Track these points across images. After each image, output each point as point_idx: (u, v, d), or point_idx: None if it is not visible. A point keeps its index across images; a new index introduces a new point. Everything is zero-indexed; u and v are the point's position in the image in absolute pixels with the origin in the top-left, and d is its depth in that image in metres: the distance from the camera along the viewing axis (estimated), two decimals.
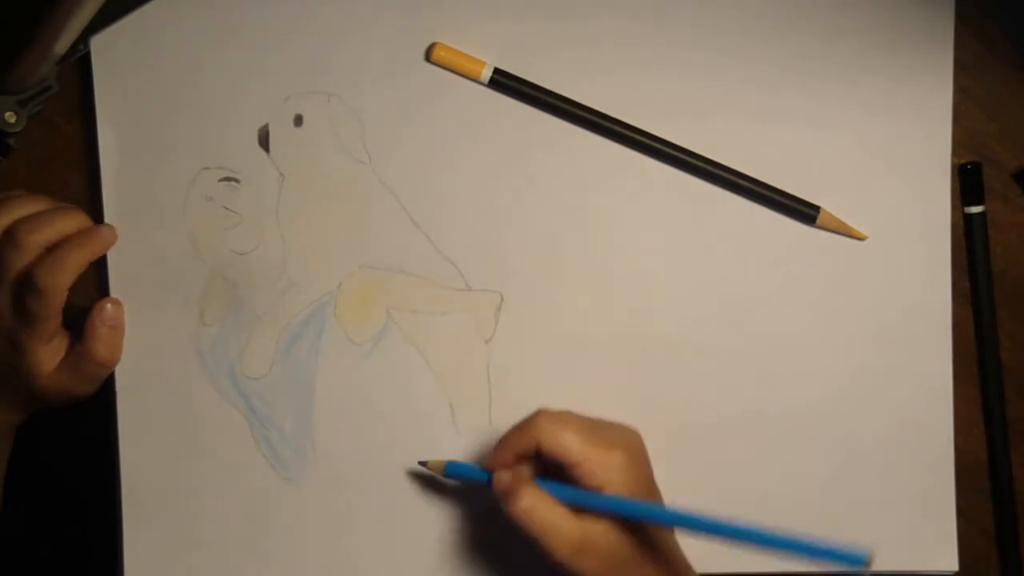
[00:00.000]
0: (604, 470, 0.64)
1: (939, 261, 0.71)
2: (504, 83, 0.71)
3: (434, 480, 0.72)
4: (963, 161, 0.72)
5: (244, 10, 0.71)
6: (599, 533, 0.63)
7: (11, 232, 0.69)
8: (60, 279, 0.68)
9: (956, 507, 0.72)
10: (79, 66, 0.72)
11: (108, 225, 0.71)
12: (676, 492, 0.70)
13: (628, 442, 0.66)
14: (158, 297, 0.72)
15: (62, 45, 0.68)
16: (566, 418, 0.65)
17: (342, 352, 0.72)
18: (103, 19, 0.69)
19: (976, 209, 0.72)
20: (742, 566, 0.71)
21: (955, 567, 0.72)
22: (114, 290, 0.72)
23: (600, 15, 0.71)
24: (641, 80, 0.71)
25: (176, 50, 0.72)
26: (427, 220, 0.72)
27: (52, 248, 0.68)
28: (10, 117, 0.70)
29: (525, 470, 0.66)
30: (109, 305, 0.71)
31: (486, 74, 0.71)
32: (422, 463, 0.71)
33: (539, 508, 0.63)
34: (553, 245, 0.72)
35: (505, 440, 0.67)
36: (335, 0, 0.71)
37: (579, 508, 0.64)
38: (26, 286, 0.67)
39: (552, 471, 0.65)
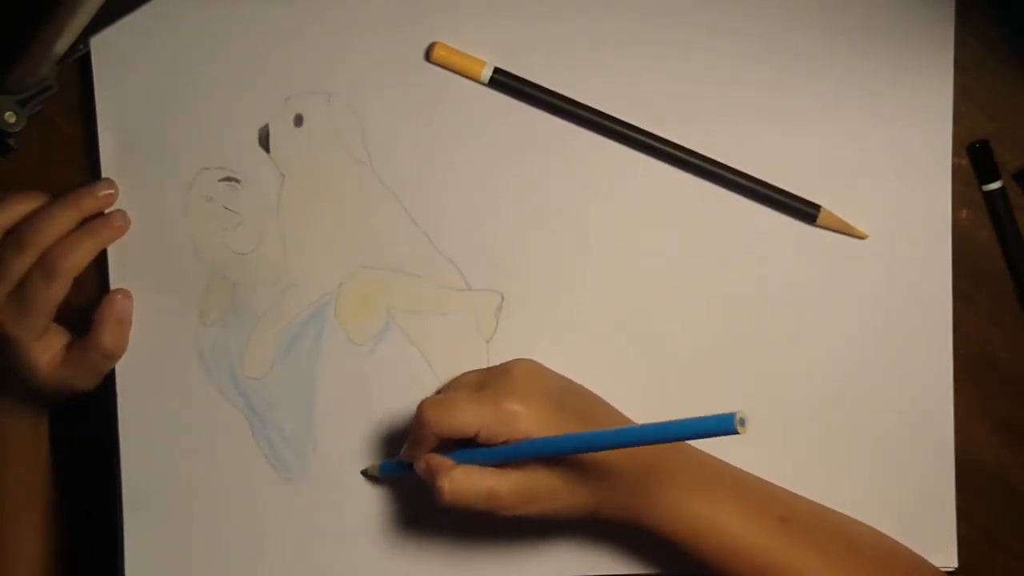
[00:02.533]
0: (502, 426, 0.64)
1: (939, 261, 0.71)
2: (504, 83, 0.71)
3: None
4: (965, 152, 0.72)
5: (244, 10, 0.71)
6: (530, 478, 0.64)
7: (13, 232, 0.69)
8: (72, 263, 0.68)
9: (956, 506, 0.72)
10: (79, 66, 0.72)
11: (120, 211, 0.71)
12: None
13: (517, 384, 0.66)
14: (158, 297, 0.72)
15: (62, 45, 0.68)
16: (449, 398, 0.66)
17: (343, 352, 0.72)
18: (103, 19, 0.69)
19: (994, 186, 0.72)
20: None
21: (954, 564, 0.72)
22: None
23: (600, 15, 0.71)
24: (641, 80, 0.71)
25: (176, 50, 0.71)
26: (427, 220, 0.72)
27: (67, 234, 0.69)
28: (10, 117, 0.70)
29: (437, 457, 0.66)
30: (119, 297, 0.71)
31: (486, 74, 0.71)
32: (363, 472, 0.72)
33: (465, 486, 0.64)
34: (553, 245, 0.72)
35: (409, 447, 0.67)
36: (335, 0, 0.71)
37: (502, 464, 0.64)
38: (36, 271, 0.68)
39: (467, 440, 0.65)
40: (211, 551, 0.73)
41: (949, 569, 0.72)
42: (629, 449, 0.63)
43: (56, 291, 0.68)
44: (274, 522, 0.73)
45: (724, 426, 0.55)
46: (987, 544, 0.74)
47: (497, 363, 0.72)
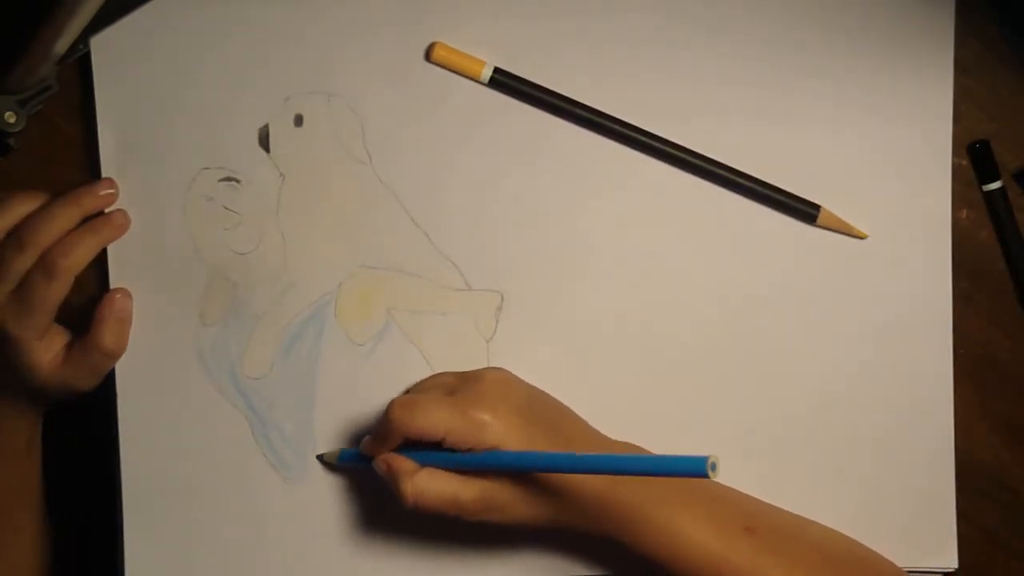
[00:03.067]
0: (469, 434, 0.64)
1: (939, 261, 0.71)
2: (504, 83, 0.71)
3: None
4: (965, 152, 0.72)
5: (244, 10, 0.71)
6: (492, 487, 0.65)
7: (14, 232, 0.69)
8: (73, 261, 0.68)
9: (956, 507, 0.72)
10: (79, 66, 0.72)
11: (120, 210, 0.71)
12: None
13: (487, 393, 0.66)
14: (158, 297, 0.72)
15: (62, 45, 0.68)
16: (419, 400, 0.66)
17: (342, 352, 0.72)
18: (103, 19, 0.69)
19: (994, 186, 0.72)
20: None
21: (954, 564, 0.72)
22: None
23: (600, 14, 0.71)
24: (641, 79, 0.71)
25: (176, 50, 0.71)
26: (427, 220, 0.72)
27: (68, 233, 0.69)
28: (10, 117, 0.70)
29: (399, 458, 0.66)
30: (119, 295, 0.71)
31: (486, 74, 0.71)
32: (319, 457, 0.72)
33: (428, 491, 0.65)
34: (553, 245, 0.72)
35: (372, 442, 0.67)
36: (335, 0, 0.71)
37: (464, 471, 0.65)
38: (37, 270, 0.68)
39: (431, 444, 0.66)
40: (211, 551, 0.73)
41: (949, 570, 0.72)
42: (567, 482, 0.65)
43: (57, 290, 0.68)
44: (274, 522, 0.73)
45: (695, 468, 0.56)
46: (987, 544, 0.74)
47: (497, 363, 0.72)
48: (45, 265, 0.68)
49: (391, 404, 0.66)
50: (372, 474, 0.68)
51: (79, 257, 0.69)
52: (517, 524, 0.66)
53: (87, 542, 0.76)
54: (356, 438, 0.72)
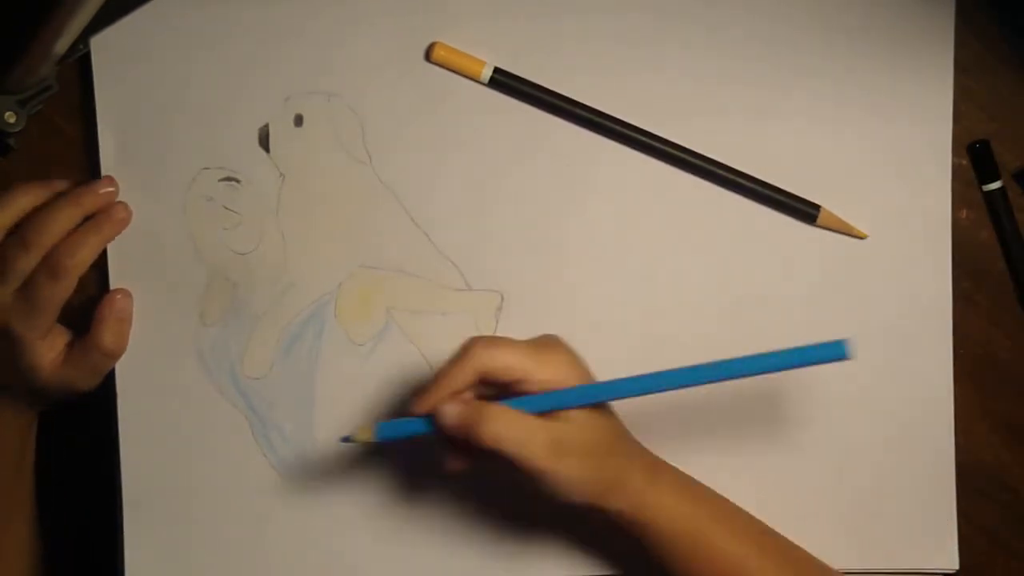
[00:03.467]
0: (551, 373, 0.63)
1: (939, 261, 0.71)
2: (504, 83, 0.71)
3: (434, 480, 0.72)
4: (965, 152, 0.72)
5: (244, 10, 0.71)
6: (569, 431, 0.63)
7: (17, 232, 0.69)
8: (78, 260, 0.68)
9: (956, 507, 0.72)
10: (79, 66, 0.72)
11: (121, 203, 0.71)
12: None
13: (560, 344, 0.65)
14: (158, 297, 0.72)
15: (62, 45, 0.68)
16: (499, 339, 0.64)
17: (342, 352, 0.72)
18: (103, 19, 0.69)
19: (994, 186, 0.72)
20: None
21: (955, 566, 0.72)
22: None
23: (600, 14, 0.71)
24: (641, 79, 0.71)
25: (176, 50, 0.72)
26: (427, 220, 0.72)
27: (71, 232, 0.69)
28: (10, 117, 0.70)
29: (470, 397, 0.64)
30: (119, 296, 0.71)
31: (486, 74, 0.71)
32: (345, 439, 0.66)
33: (508, 424, 0.61)
34: (553, 245, 0.72)
35: (442, 376, 0.63)
36: (335, 0, 0.71)
37: (542, 414, 0.63)
38: (42, 270, 0.68)
39: (492, 397, 0.63)
40: (211, 551, 0.73)
41: (950, 571, 0.72)
42: (634, 448, 0.65)
43: (62, 290, 0.68)
44: (274, 522, 0.73)
45: (835, 353, 0.59)
46: (987, 544, 0.74)
47: None
48: (50, 265, 0.68)
49: (473, 340, 0.63)
50: (409, 449, 0.65)
51: (84, 256, 0.69)
52: (565, 489, 0.63)
53: (87, 542, 0.76)
54: None
